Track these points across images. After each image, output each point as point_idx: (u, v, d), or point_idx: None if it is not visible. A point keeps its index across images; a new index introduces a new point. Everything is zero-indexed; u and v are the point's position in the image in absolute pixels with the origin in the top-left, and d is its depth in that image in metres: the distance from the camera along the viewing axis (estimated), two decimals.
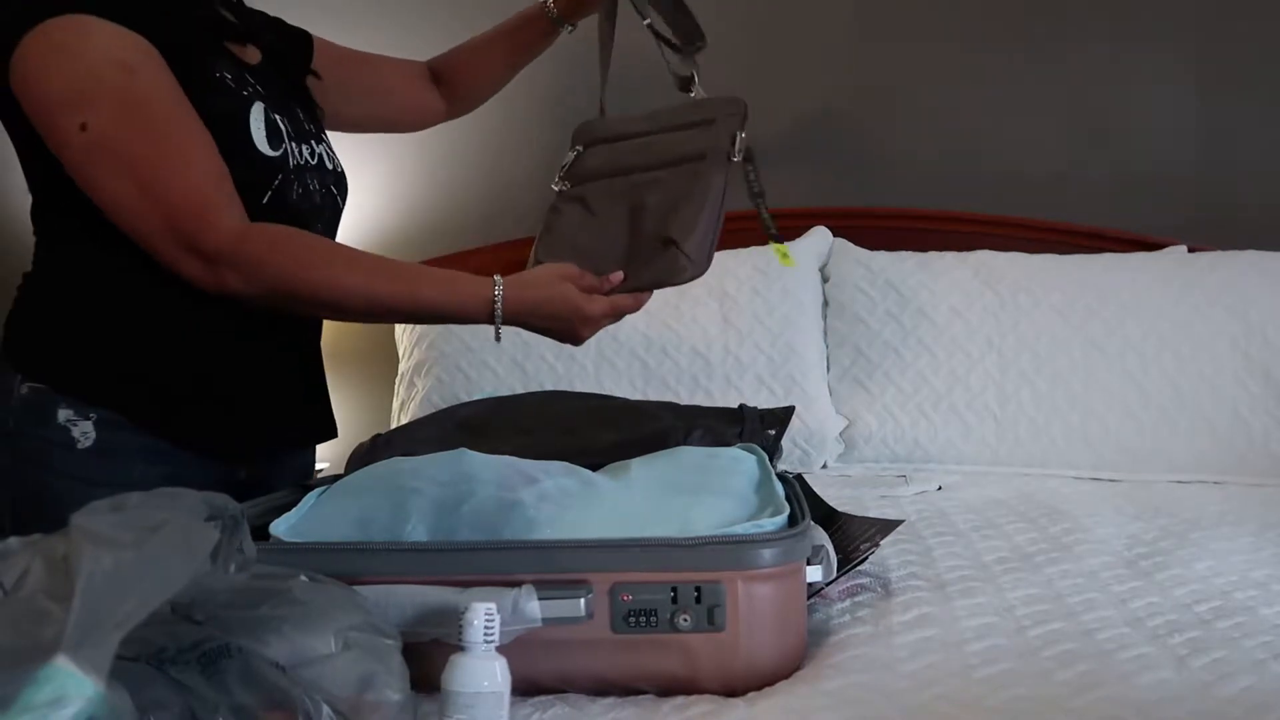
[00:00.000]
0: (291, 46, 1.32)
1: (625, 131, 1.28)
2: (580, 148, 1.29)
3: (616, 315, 1.16)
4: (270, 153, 1.14)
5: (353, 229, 2.10)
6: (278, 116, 1.17)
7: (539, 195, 2.27)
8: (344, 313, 1.14)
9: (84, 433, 1.12)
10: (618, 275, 1.15)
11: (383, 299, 1.09)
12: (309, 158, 1.22)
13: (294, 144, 1.19)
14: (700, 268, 1.15)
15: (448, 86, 1.48)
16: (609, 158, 1.26)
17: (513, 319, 1.11)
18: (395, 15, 2.25)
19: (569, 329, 1.14)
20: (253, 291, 1.06)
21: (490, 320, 1.10)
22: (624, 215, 1.19)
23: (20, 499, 1.14)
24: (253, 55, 1.22)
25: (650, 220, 1.17)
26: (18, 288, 1.18)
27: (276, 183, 1.14)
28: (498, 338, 1.12)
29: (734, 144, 1.19)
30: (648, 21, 1.34)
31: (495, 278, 1.10)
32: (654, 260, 1.15)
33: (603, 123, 1.32)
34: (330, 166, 1.26)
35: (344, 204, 1.30)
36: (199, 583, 0.62)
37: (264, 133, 1.13)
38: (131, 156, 1.03)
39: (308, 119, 1.27)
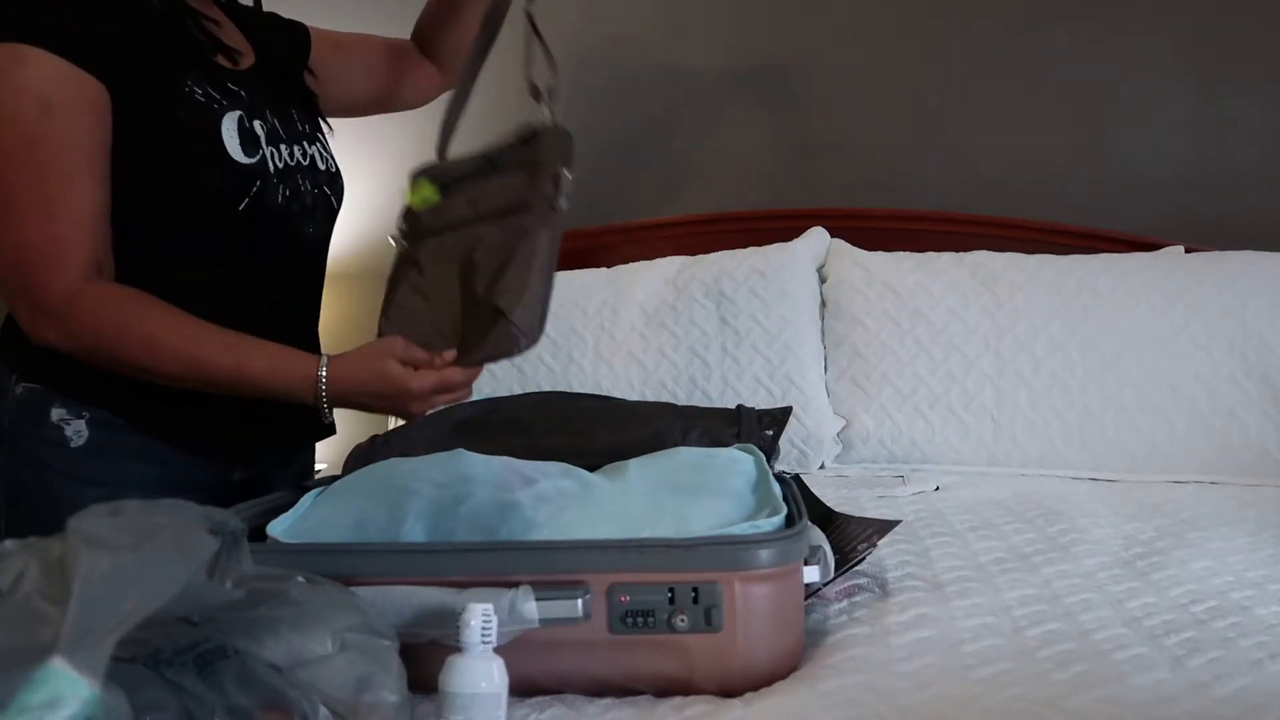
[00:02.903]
0: (287, 44, 1.32)
1: (458, 174, 1.21)
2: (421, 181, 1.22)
3: (449, 389, 1.12)
4: (245, 160, 1.14)
5: (349, 229, 2.10)
6: (258, 122, 1.17)
7: None
8: (165, 376, 1.10)
9: (77, 432, 1.12)
10: (450, 354, 1.12)
11: (204, 367, 1.09)
12: (300, 159, 1.22)
13: (278, 147, 1.19)
14: (532, 338, 1.10)
15: (431, 51, 1.49)
16: (440, 210, 1.19)
17: (340, 400, 1.11)
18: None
19: (397, 406, 1.12)
20: (71, 347, 1.08)
21: (316, 400, 1.10)
22: (455, 277, 1.14)
23: (16, 498, 1.14)
24: (244, 58, 1.22)
25: (480, 283, 1.11)
26: None
27: (255, 189, 1.15)
28: (327, 420, 1.13)
29: (558, 188, 1.12)
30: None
31: (322, 356, 1.10)
32: (486, 333, 1.10)
33: (439, 167, 1.24)
34: (323, 167, 1.26)
35: (339, 204, 1.30)
36: (195, 596, 0.61)
37: (237, 141, 1.14)
38: (10, 190, 1.05)
39: (303, 118, 1.27)
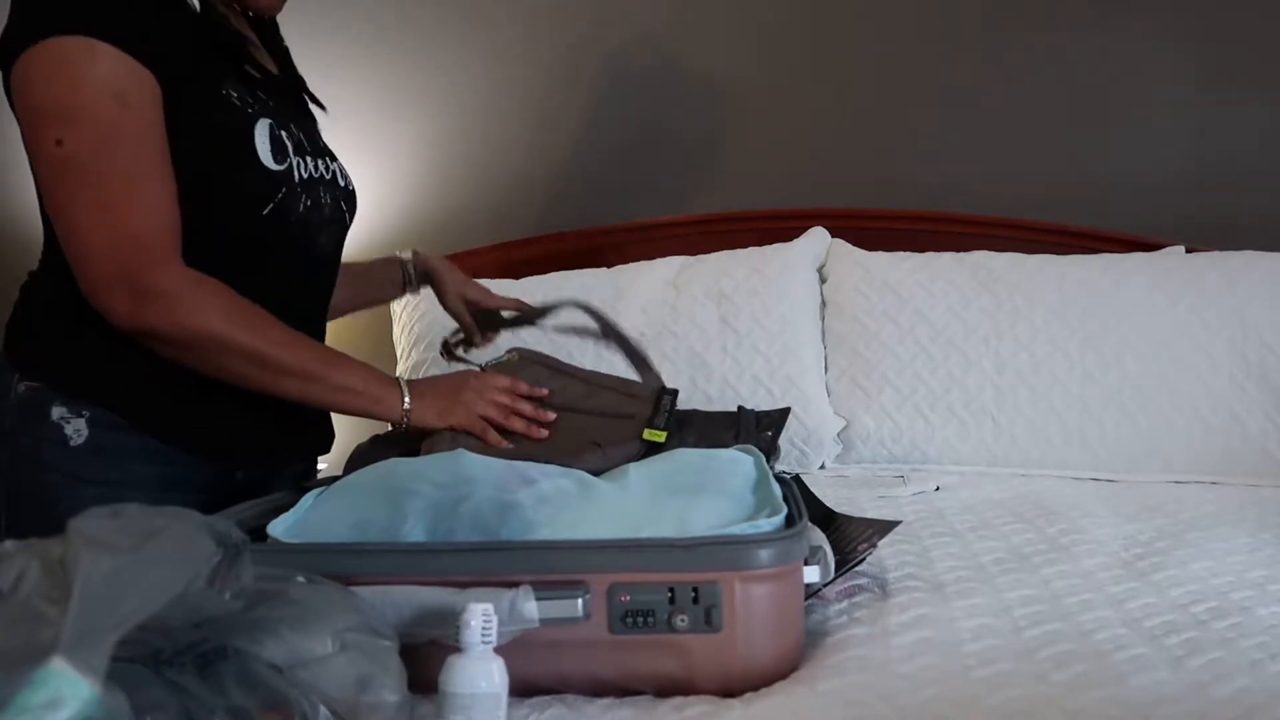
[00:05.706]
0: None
1: (562, 368, 1.30)
2: (514, 354, 1.30)
3: (510, 390, 1.20)
4: (274, 166, 1.15)
5: (352, 229, 2.10)
6: (285, 131, 1.18)
7: (536, 196, 2.28)
8: (266, 372, 1.11)
9: (77, 430, 1.12)
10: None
11: (303, 375, 1.12)
12: (322, 172, 1.23)
13: (304, 158, 1.20)
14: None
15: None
16: (544, 376, 1.27)
17: (418, 386, 1.18)
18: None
19: (461, 382, 1.20)
20: (175, 333, 1.07)
21: (400, 394, 1.16)
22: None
23: (16, 496, 1.14)
24: (270, 68, 1.23)
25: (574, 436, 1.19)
26: (20, 287, 1.19)
27: (280, 195, 1.15)
28: (402, 427, 1.17)
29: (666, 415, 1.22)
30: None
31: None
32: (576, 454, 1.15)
33: (540, 354, 1.33)
34: (343, 183, 1.28)
35: (352, 220, 1.32)
36: (195, 604, 0.61)
37: (268, 147, 1.15)
38: (99, 180, 1.04)
39: (320, 137, 1.29)
